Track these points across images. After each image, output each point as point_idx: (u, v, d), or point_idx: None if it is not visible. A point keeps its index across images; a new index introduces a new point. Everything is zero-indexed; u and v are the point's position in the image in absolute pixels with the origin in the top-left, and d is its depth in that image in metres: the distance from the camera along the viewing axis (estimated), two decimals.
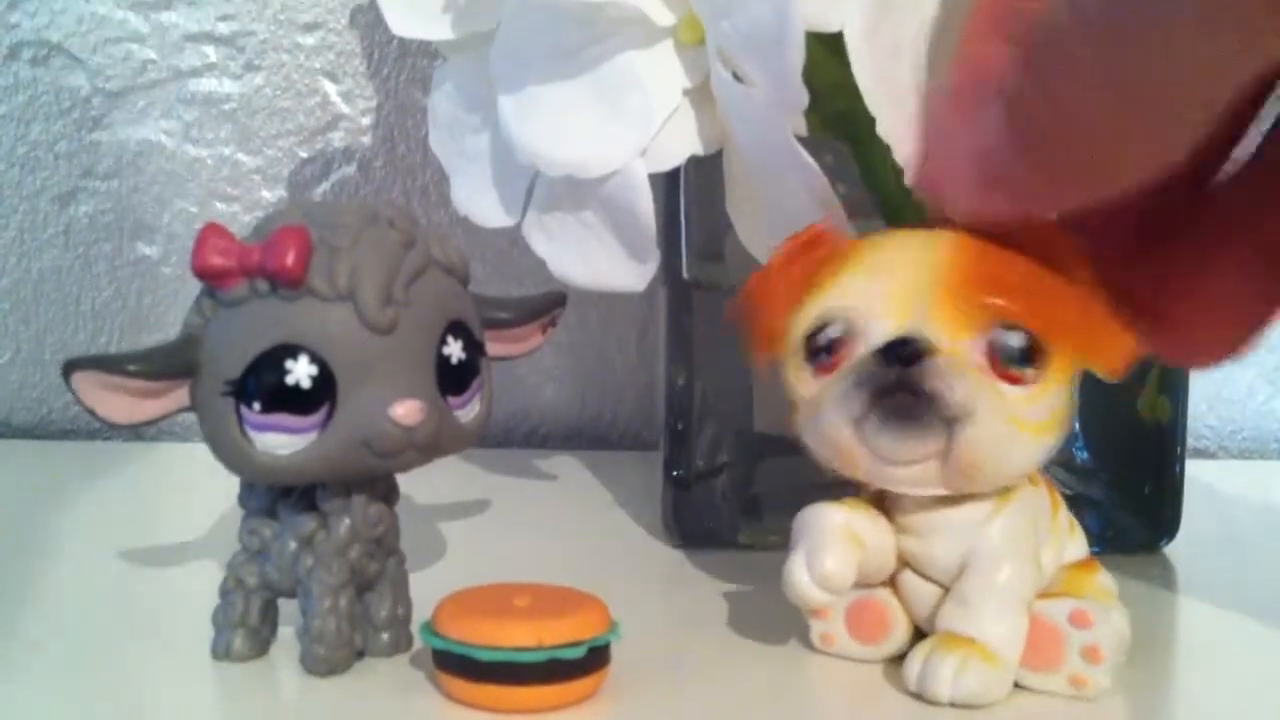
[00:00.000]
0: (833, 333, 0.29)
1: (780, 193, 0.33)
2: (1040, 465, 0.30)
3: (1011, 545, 0.30)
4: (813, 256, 0.30)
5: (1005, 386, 0.28)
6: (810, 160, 0.31)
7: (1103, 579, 0.32)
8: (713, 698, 0.30)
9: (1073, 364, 0.28)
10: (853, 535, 0.29)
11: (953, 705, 0.29)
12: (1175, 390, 0.42)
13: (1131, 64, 0.21)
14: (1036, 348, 0.28)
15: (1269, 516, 0.50)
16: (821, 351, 0.29)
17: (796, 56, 0.30)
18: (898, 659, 0.31)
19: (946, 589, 0.30)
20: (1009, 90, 0.24)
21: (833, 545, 0.29)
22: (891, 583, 0.31)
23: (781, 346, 0.30)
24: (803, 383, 0.29)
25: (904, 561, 0.31)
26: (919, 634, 0.31)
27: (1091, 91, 0.22)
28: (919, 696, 0.29)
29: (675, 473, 0.42)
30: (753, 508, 0.43)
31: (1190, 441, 0.43)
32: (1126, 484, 0.43)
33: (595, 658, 0.29)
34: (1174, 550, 0.42)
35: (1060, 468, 0.43)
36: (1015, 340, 0.28)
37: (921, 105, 0.29)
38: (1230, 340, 0.28)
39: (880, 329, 0.28)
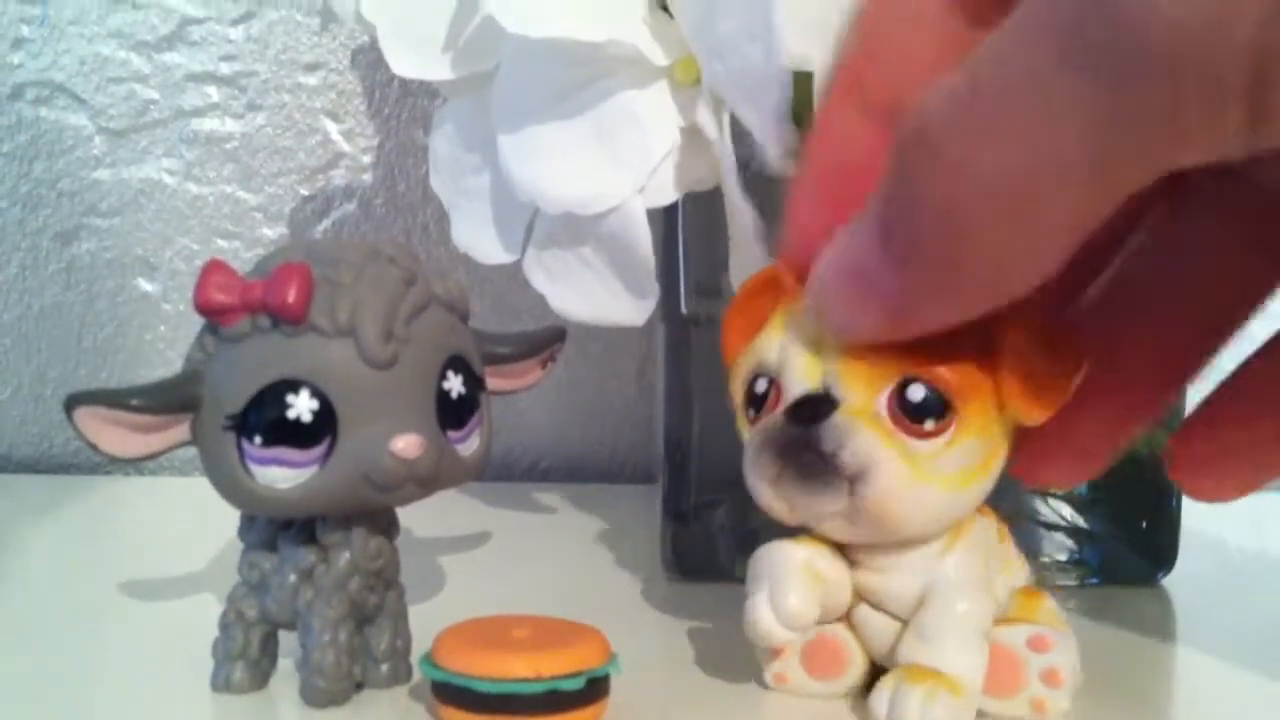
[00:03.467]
0: (759, 387, 0.29)
1: (738, 240, 0.33)
2: (966, 513, 0.30)
3: (968, 576, 0.30)
4: (765, 300, 0.30)
5: (910, 441, 0.28)
6: (753, 215, 0.32)
7: (1050, 603, 0.32)
8: None
9: (989, 412, 0.28)
10: (814, 572, 0.29)
11: None
12: (1173, 423, 0.42)
13: (1013, 168, 0.21)
14: (938, 400, 0.27)
15: (1267, 550, 0.50)
16: (753, 405, 0.30)
17: (782, 97, 0.30)
18: (854, 693, 0.31)
19: (903, 622, 0.30)
20: (882, 199, 0.24)
21: (795, 583, 0.29)
22: (846, 618, 0.31)
23: (733, 392, 0.30)
24: (745, 431, 0.30)
25: (860, 596, 0.30)
26: (873, 669, 0.31)
27: (974, 198, 0.21)
28: None
29: (674, 506, 0.42)
30: (751, 541, 0.43)
31: None
32: (1124, 517, 0.43)
33: (594, 689, 0.29)
34: (1172, 583, 0.42)
35: (1058, 500, 0.43)
36: (916, 394, 0.27)
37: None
38: (1080, 468, 0.29)
39: (794, 386, 0.28)
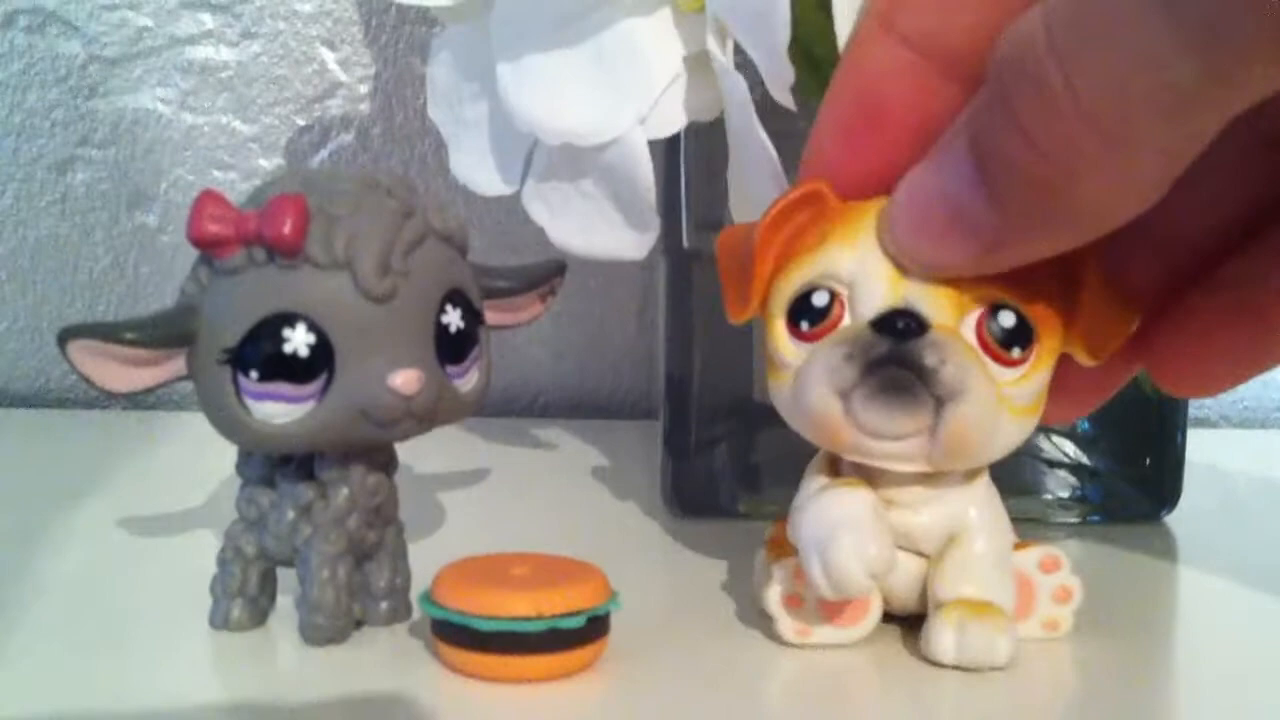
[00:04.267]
0: (819, 300, 0.28)
1: (746, 173, 0.33)
2: (1021, 444, 0.29)
3: (997, 506, 0.30)
4: (803, 217, 0.28)
5: (995, 367, 0.27)
6: (768, 147, 0.31)
7: None
8: (712, 667, 0.30)
9: (1058, 348, 0.28)
10: (881, 516, 0.29)
11: (992, 670, 0.29)
12: None
13: (1111, 92, 0.20)
14: (1027, 329, 0.27)
15: (1270, 486, 0.50)
16: (807, 318, 0.28)
17: (783, 32, 0.29)
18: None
19: (925, 559, 0.30)
20: (977, 126, 0.23)
21: (877, 529, 0.28)
22: None
23: (763, 308, 0.29)
24: (785, 348, 0.29)
25: None
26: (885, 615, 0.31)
27: (1069, 124, 0.21)
28: (958, 668, 0.29)
29: (675, 442, 0.42)
30: (752, 478, 0.43)
31: (1191, 411, 0.43)
32: (1128, 454, 0.43)
33: (595, 627, 0.29)
34: (1175, 520, 0.42)
35: (1062, 437, 0.43)
36: (1008, 321, 0.27)
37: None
38: (1218, 380, 0.29)
39: (872, 300, 0.27)
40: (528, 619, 0.28)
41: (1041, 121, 0.21)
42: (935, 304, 0.27)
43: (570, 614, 0.28)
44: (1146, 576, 0.38)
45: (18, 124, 0.58)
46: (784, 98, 0.31)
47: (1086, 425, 0.43)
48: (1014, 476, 0.43)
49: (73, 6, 0.57)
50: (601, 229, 0.36)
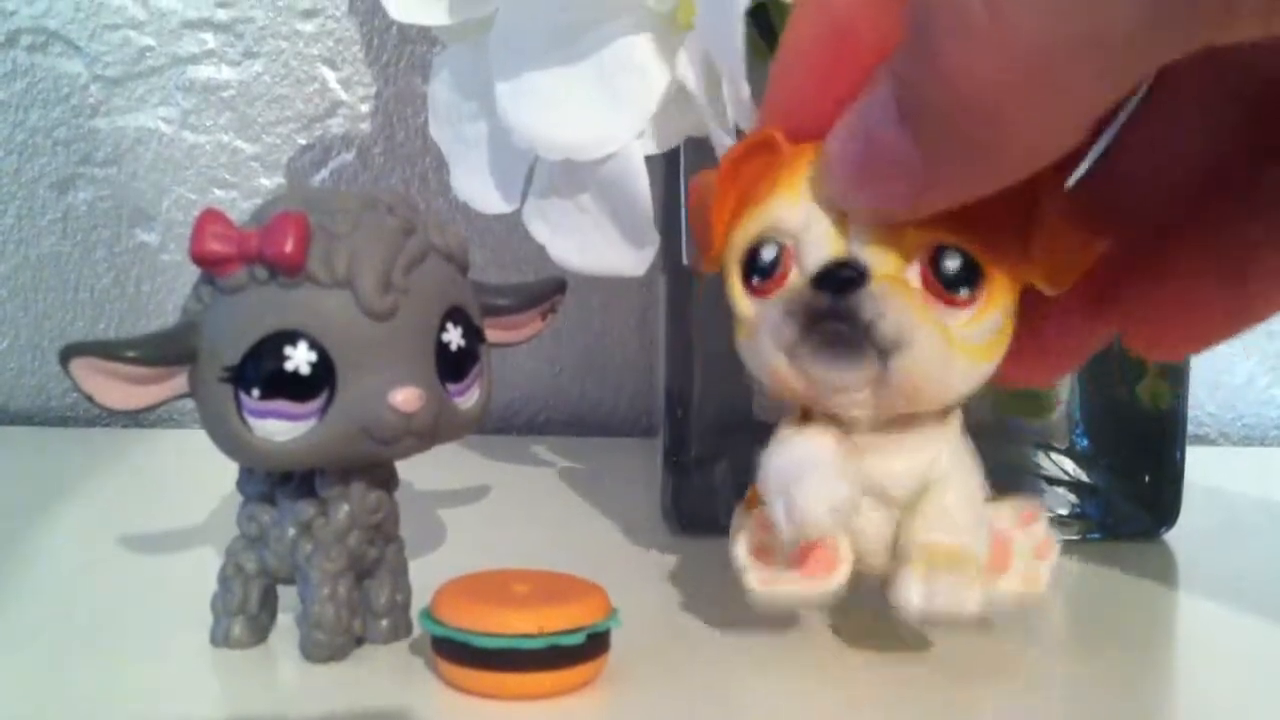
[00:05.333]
0: (768, 254, 0.27)
1: None
2: (982, 384, 0.28)
3: (966, 452, 0.29)
4: (757, 164, 0.28)
5: (942, 310, 0.27)
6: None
7: None
8: (712, 683, 0.30)
9: (1014, 284, 0.27)
10: (848, 458, 0.28)
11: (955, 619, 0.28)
12: (1176, 377, 0.42)
13: (1040, 32, 0.20)
14: (975, 269, 0.27)
15: (1269, 503, 0.50)
16: (758, 272, 0.28)
17: (739, 31, 0.30)
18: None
19: (895, 513, 0.29)
20: (901, 66, 0.23)
21: (841, 470, 0.28)
22: None
23: (722, 260, 0.29)
24: (741, 303, 0.28)
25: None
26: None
27: (993, 64, 0.20)
28: (923, 618, 0.28)
29: (675, 459, 0.42)
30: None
31: (1190, 428, 0.43)
32: (1126, 471, 0.43)
33: (595, 644, 0.29)
34: (1174, 537, 0.42)
35: (1061, 455, 0.43)
36: (953, 263, 0.26)
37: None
38: (1047, 366, 0.28)
39: (815, 252, 0.27)
40: (528, 636, 0.28)
41: (963, 61, 0.21)
42: (878, 252, 0.26)
43: (570, 631, 0.28)
44: (1145, 593, 0.38)
45: (20, 143, 0.59)
46: (741, 107, 0.31)
47: (1086, 442, 0.43)
48: (1013, 493, 0.43)
49: (75, 26, 0.58)
50: (601, 246, 0.37)
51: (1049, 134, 0.22)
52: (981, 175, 0.23)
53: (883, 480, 0.29)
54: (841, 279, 0.26)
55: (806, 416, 0.29)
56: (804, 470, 0.28)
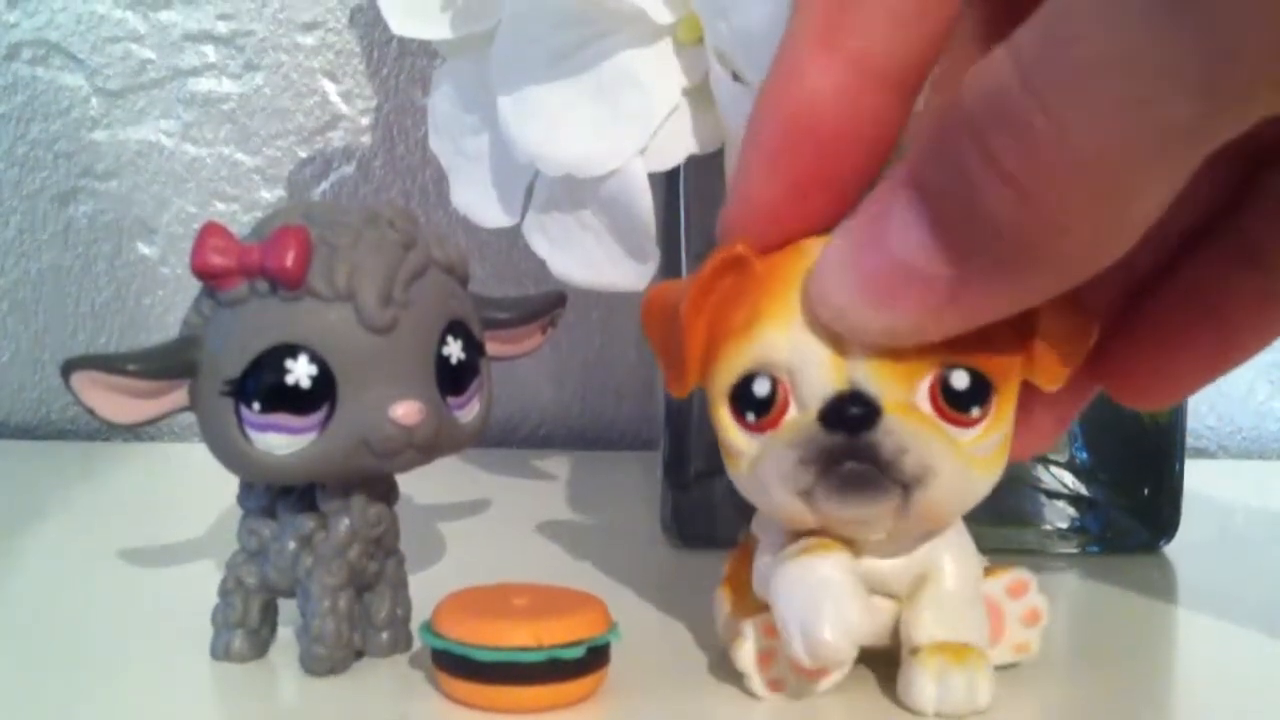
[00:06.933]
0: (761, 389, 0.26)
1: None
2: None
3: (965, 542, 0.29)
4: (728, 284, 0.27)
5: (955, 431, 0.26)
6: None
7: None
8: (711, 698, 0.30)
9: (1016, 387, 0.27)
10: (856, 578, 0.27)
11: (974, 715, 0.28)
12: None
13: (1098, 134, 0.19)
14: (984, 385, 0.26)
15: (1268, 517, 0.50)
16: (752, 409, 0.26)
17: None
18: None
19: (896, 601, 0.29)
20: (936, 173, 0.21)
21: (853, 594, 0.27)
22: None
23: (703, 385, 0.28)
24: (735, 438, 0.27)
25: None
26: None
27: (1056, 170, 0.19)
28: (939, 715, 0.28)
29: (675, 473, 0.42)
30: (752, 508, 0.43)
31: (1190, 441, 0.43)
32: (1126, 484, 0.43)
33: (594, 658, 0.29)
34: (1173, 550, 0.42)
35: (1061, 468, 0.43)
36: (961, 382, 0.26)
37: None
38: (1181, 389, 0.28)
39: (815, 386, 0.26)
40: (528, 649, 0.28)
41: (1026, 166, 0.20)
42: (883, 380, 0.25)
43: (570, 644, 0.28)
44: (1144, 607, 0.38)
45: (21, 155, 0.59)
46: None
47: (1085, 456, 0.43)
48: (1012, 507, 0.43)
49: (76, 39, 0.58)
50: (601, 260, 0.37)
51: (1108, 243, 0.21)
52: (1018, 293, 0.22)
53: (883, 575, 0.29)
54: (854, 417, 0.25)
55: (812, 531, 0.28)
56: (820, 600, 0.27)
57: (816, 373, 0.26)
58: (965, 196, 0.21)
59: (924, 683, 0.28)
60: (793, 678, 0.30)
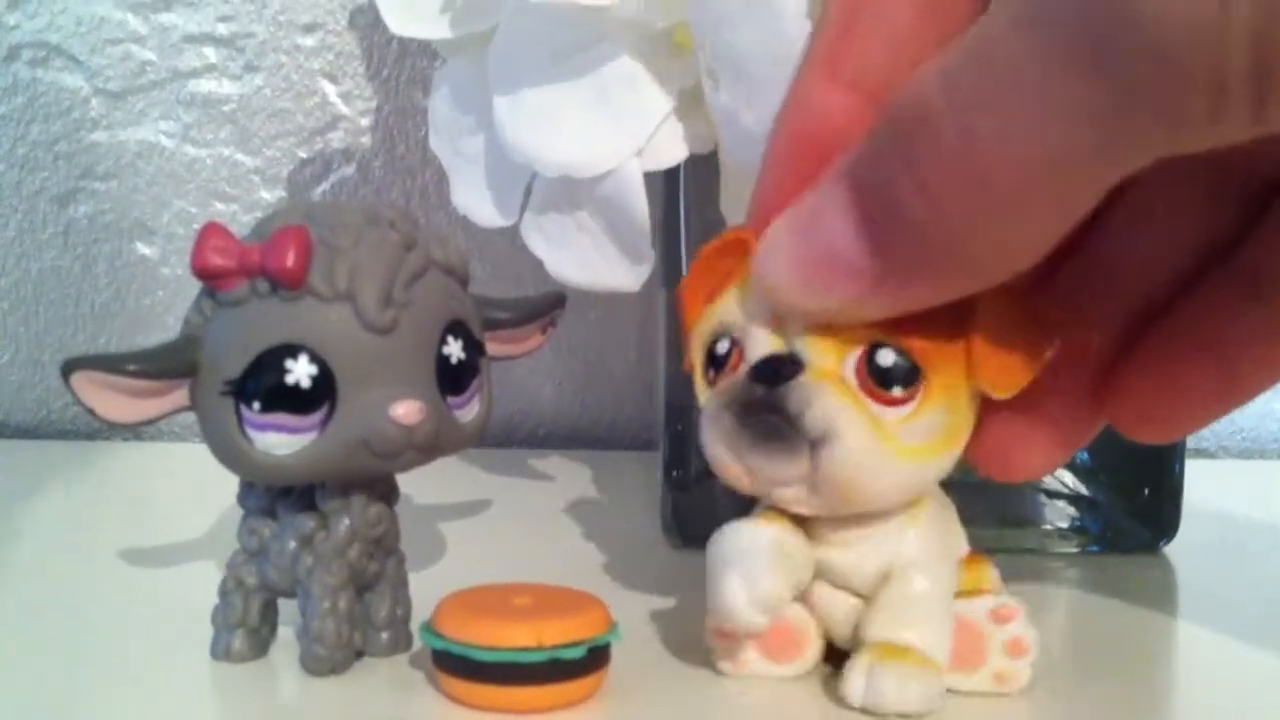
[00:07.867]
0: (721, 348, 0.28)
1: (740, 205, 0.33)
2: (928, 487, 0.29)
3: (931, 549, 0.29)
4: (729, 263, 0.28)
5: (876, 407, 0.27)
6: None
7: (994, 570, 0.31)
8: (712, 698, 0.30)
9: (958, 384, 0.27)
10: (783, 550, 0.28)
11: (901, 716, 0.28)
12: None
13: (1005, 153, 0.20)
14: (910, 367, 0.27)
15: (1269, 517, 0.50)
16: (714, 366, 0.29)
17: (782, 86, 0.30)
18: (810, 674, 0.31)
19: (863, 600, 0.29)
20: (865, 172, 0.23)
21: (768, 563, 0.28)
22: (804, 598, 0.30)
23: (691, 354, 0.30)
24: (701, 394, 0.29)
25: (819, 574, 0.30)
26: (829, 649, 0.31)
27: (963, 181, 0.21)
28: (865, 711, 0.28)
29: (675, 474, 0.42)
30: (751, 509, 0.43)
31: (1190, 441, 0.43)
32: (1126, 484, 0.43)
33: (595, 658, 0.29)
34: (1173, 551, 0.42)
35: (1061, 468, 0.43)
36: (886, 360, 0.27)
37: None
38: (1186, 424, 0.28)
39: (758, 347, 0.28)
40: (528, 649, 0.28)
41: (936, 174, 0.21)
42: (815, 347, 0.27)
43: (571, 644, 0.28)
44: (1144, 607, 0.38)
45: (21, 157, 0.59)
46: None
47: (1085, 456, 0.43)
48: (1012, 507, 0.43)
49: (76, 41, 0.58)
50: (598, 261, 0.37)
51: (1006, 255, 0.23)
52: (934, 288, 0.24)
53: (843, 570, 0.29)
54: (773, 371, 0.27)
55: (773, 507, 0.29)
56: (731, 562, 0.28)
57: (760, 335, 0.28)
58: (888, 196, 0.23)
59: (854, 676, 0.28)
60: (754, 657, 0.30)
